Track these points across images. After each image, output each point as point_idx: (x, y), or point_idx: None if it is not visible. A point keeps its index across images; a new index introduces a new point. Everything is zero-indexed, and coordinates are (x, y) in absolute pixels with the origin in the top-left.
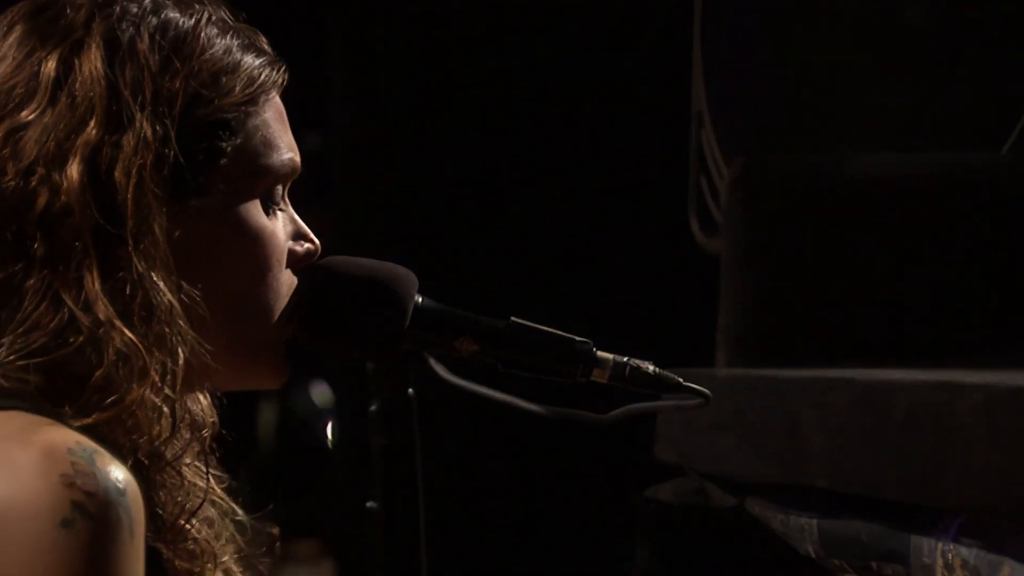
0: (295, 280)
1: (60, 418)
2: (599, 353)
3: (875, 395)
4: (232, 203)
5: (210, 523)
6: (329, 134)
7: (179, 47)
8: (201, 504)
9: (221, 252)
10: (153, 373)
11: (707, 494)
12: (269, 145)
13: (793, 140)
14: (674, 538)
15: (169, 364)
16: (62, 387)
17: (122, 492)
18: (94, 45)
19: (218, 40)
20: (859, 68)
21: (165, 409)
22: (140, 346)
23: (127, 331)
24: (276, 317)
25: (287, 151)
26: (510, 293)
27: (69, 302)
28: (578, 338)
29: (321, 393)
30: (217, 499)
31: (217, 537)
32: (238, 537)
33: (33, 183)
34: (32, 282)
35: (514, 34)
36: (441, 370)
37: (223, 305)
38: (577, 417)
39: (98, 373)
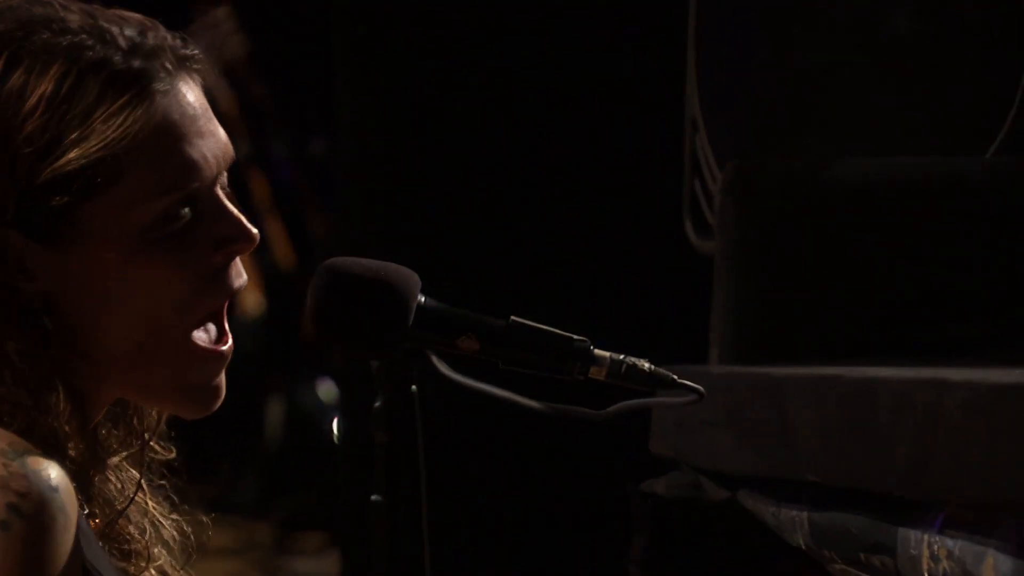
0: (229, 285)
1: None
2: (596, 351)
3: (864, 392)
4: (115, 242)
5: (143, 526)
6: (335, 138)
7: (29, 96)
8: (128, 504)
9: (113, 290)
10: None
11: (701, 488)
12: (145, 181)
13: (785, 145)
14: (669, 530)
15: (26, 416)
16: None
17: (55, 489)
18: None
19: (76, 83)
20: (849, 74)
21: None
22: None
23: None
24: (192, 351)
25: (175, 177)
26: (510, 293)
27: None
28: (576, 337)
29: (327, 390)
30: (151, 503)
31: (151, 539)
32: (174, 538)
33: None
34: None
35: (515, 42)
36: (443, 367)
37: (128, 344)
38: (575, 413)
39: None
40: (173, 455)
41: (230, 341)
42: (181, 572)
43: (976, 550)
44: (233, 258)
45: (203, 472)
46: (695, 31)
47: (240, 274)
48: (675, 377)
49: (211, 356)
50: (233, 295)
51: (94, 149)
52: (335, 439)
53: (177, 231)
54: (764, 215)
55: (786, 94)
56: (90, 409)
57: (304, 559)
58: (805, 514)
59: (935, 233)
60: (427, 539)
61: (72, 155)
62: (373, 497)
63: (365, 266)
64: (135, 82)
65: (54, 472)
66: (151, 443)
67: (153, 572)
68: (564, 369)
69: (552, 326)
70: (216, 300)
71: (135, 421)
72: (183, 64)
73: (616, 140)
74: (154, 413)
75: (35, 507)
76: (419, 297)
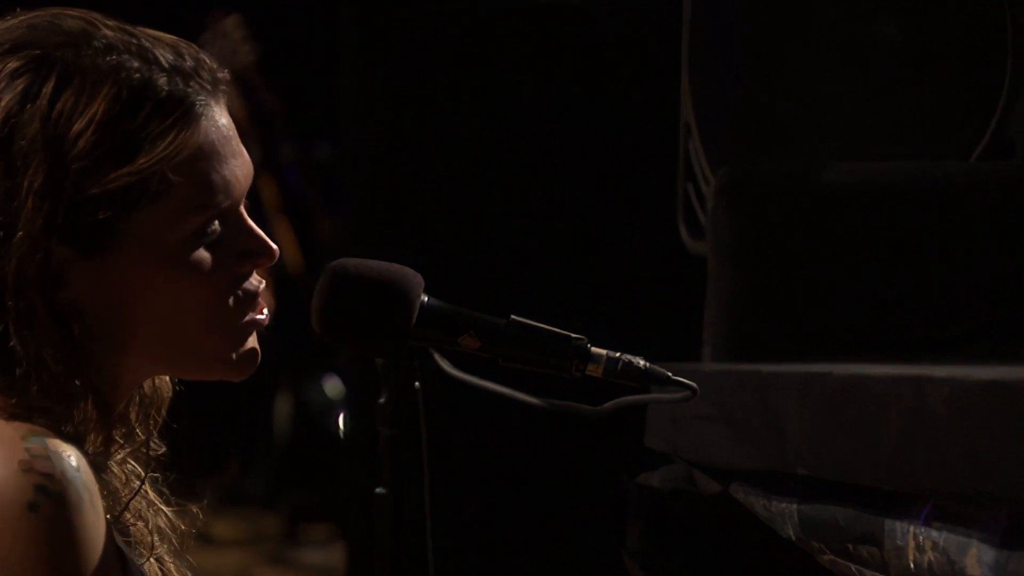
0: (250, 290)
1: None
2: (593, 349)
3: (851, 388)
4: (150, 253)
5: (145, 516)
6: (340, 144)
7: (81, 114)
8: (134, 496)
9: (146, 296)
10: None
11: (694, 481)
12: (184, 200)
13: (775, 150)
14: (663, 522)
15: (59, 415)
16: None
17: (77, 469)
18: (2, 112)
19: (127, 102)
20: (837, 81)
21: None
22: (18, 406)
23: (9, 397)
24: (218, 337)
25: (211, 196)
26: (510, 293)
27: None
28: (574, 335)
29: (333, 386)
30: (151, 495)
31: (151, 529)
32: (170, 531)
33: None
34: None
35: (515, 50)
36: (445, 365)
37: (160, 341)
38: (572, 409)
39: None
40: (164, 451)
41: (265, 312)
42: (179, 561)
43: (960, 541)
44: (253, 270)
45: (214, 466)
46: (689, 39)
47: (261, 281)
48: (669, 374)
49: (240, 330)
50: (256, 303)
51: (142, 167)
52: (341, 434)
53: (206, 245)
54: (755, 217)
55: (777, 100)
56: (115, 397)
57: (311, 550)
58: (795, 506)
59: (921, 236)
60: (430, 530)
61: (120, 172)
62: (378, 490)
63: (370, 267)
64: (179, 103)
65: (74, 453)
66: (151, 440)
67: (154, 561)
68: (562, 366)
69: (551, 325)
70: (239, 308)
71: (136, 419)
72: (216, 86)
73: (612, 145)
74: (158, 412)
75: (61, 487)
76: (422, 297)
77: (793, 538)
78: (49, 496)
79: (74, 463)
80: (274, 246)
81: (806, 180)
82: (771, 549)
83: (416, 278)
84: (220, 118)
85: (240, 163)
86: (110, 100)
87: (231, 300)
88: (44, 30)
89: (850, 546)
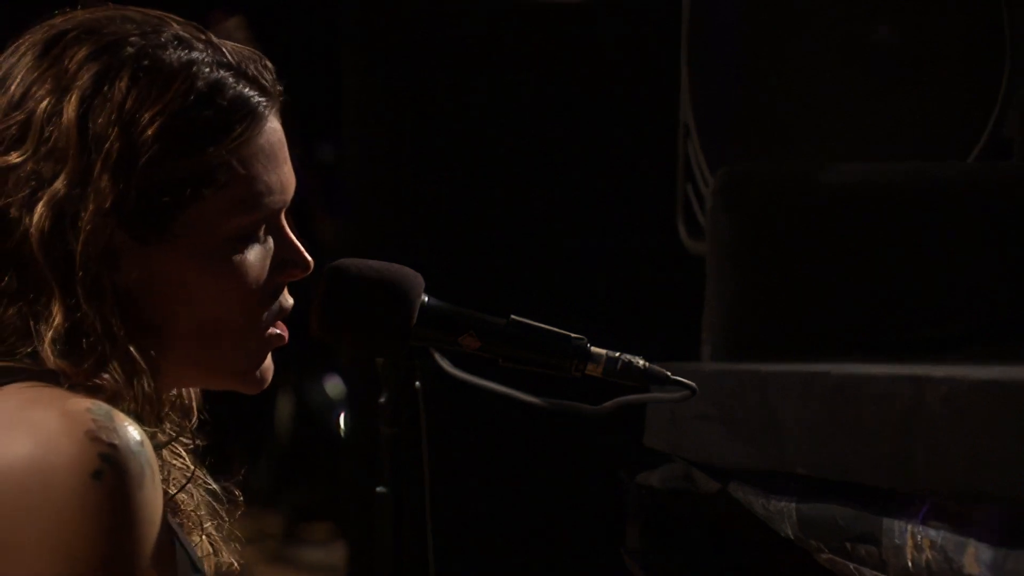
0: (283, 305)
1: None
2: (593, 349)
3: (849, 387)
4: (201, 246)
5: (193, 493)
6: (342, 145)
7: (155, 101)
8: (188, 481)
9: (190, 288)
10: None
11: (693, 480)
12: (241, 196)
13: (774, 151)
14: (662, 521)
15: (121, 388)
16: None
17: (140, 443)
18: (76, 92)
19: (199, 95)
20: (836, 82)
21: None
22: (85, 375)
23: (70, 365)
24: (249, 344)
25: (265, 196)
26: (510, 293)
27: (44, 333)
28: (573, 335)
29: (334, 386)
30: (199, 476)
31: (198, 507)
32: (217, 508)
33: (7, 223)
34: (11, 312)
35: (516, 53)
36: (446, 364)
37: (196, 335)
38: (572, 408)
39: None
40: (199, 443)
41: (286, 335)
42: (226, 535)
43: (958, 540)
44: (290, 280)
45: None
46: (688, 39)
47: (288, 298)
48: (669, 374)
49: (264, 344)
50: (282, 317)
51: (209, 157)
52: (342, 433)
53: (251, 248)
54: (754, 218)
55: (775, 101)
56: (160, 386)
57: (312, 548)
58: (793, 505)
59: (918, 236)
60: (430, 528)
61: (185, 163)
62: (378, 489)
63: (370, 267)
64: (246, 103)
65: (136, 427)
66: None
67: (204, 539)
68: (562, 366)
69: (551, 325)
70: (270, 319)
71: (180, 406)
72: (275, 93)
73: (612, 146)
74: (193, 403)
75: (126, 459)
76: (422, 297)
77: (792, 537)
78: (113, 466)
79: (138, 437)
80: (310, 259)
81: (804, 180)
82: (770, 548)
83: (416, 278)
84: (276, 124)
85: (288, 171)
86: (183, 93)
87: (265, 308)
88: (114, 20)
89: (848, 545)
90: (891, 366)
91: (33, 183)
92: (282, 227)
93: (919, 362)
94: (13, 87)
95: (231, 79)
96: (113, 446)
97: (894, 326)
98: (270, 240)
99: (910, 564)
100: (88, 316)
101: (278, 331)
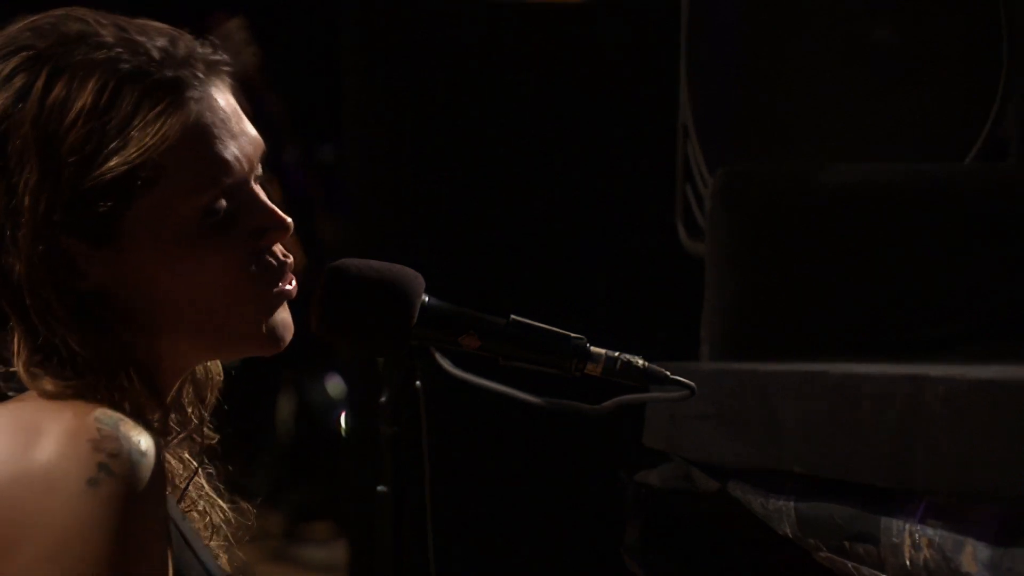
0: (278, 262)
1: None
2: (592, 348)
3: (847, 387)
4: (161, 235)
5: (200, 505)
6: (342, 145)
7: (69, 108)
8: (191, 479)
9: (162, 277)
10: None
11: (692, 479)
12: (189, 178)
13: (773, 151)
14: (661, 520)
15: (107, 394)
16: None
17: (144, 454)
18: (2, 110)
19: (113, 92)
20: (835, 82)
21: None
22: (73, 390)
23: (52, 381)
24: (246, 311)
25: (217, 173)
26: (510, 293)
27: (19, 358)
28: (573, 334)
29: (335, 385)
30: (206, 489)
31: (206, 524)
32: (224, 521)
33: None
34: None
35: (516, 54)
36: (446, 364)
37: (186, 318)
38: (572, 407)
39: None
40: (216, 439)
41: (293, 283)
42: (229, 553)
43: (956, 539)
44: (271, 244)
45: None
46: (687, 42)
47: (287, 255)
48: (668, 373)
49: (267, 304)
50: (284, 275)
51: (133, 156)
52: (343, 432)
53: (217, 224)
54: (752, 219)
55: (775, 101)
56: (163, 382)
57: (313, 547)
58: (791, 504)
59: (916, 236)
60: (431, 527)
61: (113, 162)
62: (379, 488)
63: (371, 267)
64: (169, 91)
65: (145, 439)
66: (204, 426)
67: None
68: (562, 365)
69: (550, 324)
70: (262, 281)
71: (189, 403)
72: (212, 69)
73: (612, 147)
74: (211, 394)
75: (125, 468)
76: (423, 297)
77: (790, 536)
78: (111, 475)
79: (143, 447)
80: (287, 218)
81: (803, 181)
82: (768, 547)
83: (417, 278)
84: (217, 99)
85: (244, 141)
86: (96, 92)
87: (251, 274)
88: (43, 32)
89: (847, 544)
90: (889, 365)
91: None
92: (252, 193)
93: (917, 361)
94: None
95: (150, 69)
96: (114, 456)
97: (893, 326)
98: (239, 211)
99: (908, 563)
100: (49, 336)
101: (281, 287)
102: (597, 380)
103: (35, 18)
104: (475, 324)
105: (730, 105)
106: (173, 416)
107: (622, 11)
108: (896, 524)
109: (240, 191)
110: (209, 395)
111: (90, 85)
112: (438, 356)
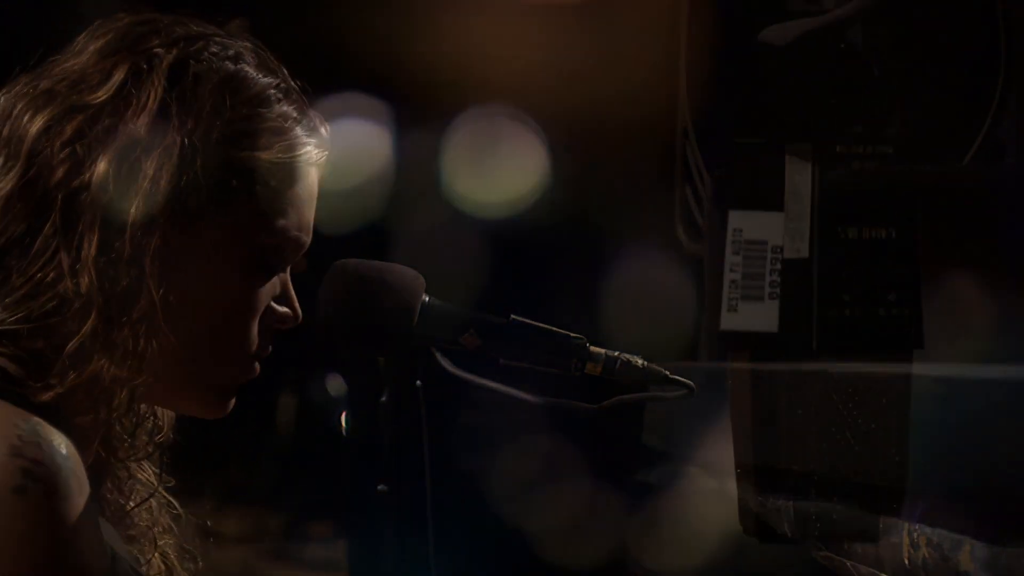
0: (265, 346)
1: (17, 397)
2: (592, 348)
3: (846, 386)
4: (229, 243)
5: (151, 513)
6: None
7: (236, 94)
8: (147, 499)
9: (203, 282)
10: (117, 352)
11: (691, 478)
12: (281, 211)
13: (772, 152)
14: (661, 520)
15: (133, 347)
16: (38, 354)
17: (66, 457)
18: (165, 65)
19: (276, 105)
20: (834, 84)
21: (123, 391)
22: (102, 329)
23: (97, 312)
24: (232, 366)
25: (295, 227)
26: (510, 293)
27: (64, 265)
28: (573, 334)
29: (336, 385)
30: (160, 495)
31: (155, 525)
32: (174, 527)
33: (69, 157)
34: (39, 244)
35: (515, 55)
36: (446, 364)
37: (187, 336)
38: (571, 406)
39: (70, 345)
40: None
41: (257, 372)
42: (184, 561)
43: (954, 538)
44: (280, 328)
45: (218, 463)
46: (687, 45)
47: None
48: (667, 372)
49: (243, 368)
50: (261, 356)
51: (272, 156)
52: (343, 432)
53: (264, 276)
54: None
55: (774, 103)
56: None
57: (313, 546)
58: (790, 503)
59: (915, 236)
60: (431, 527)
61: (259, 153)
62: (379, 487)
63: (371, 267)
64: (310, 138)
65: (64, 441)
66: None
67: (159, 557)
68: (562, 365)
69: (550, 324)
70: (257, 346)
71: (150, 427)
72: (323, 151)
73: (612, 148)
74: (166, 421)
75: (49, 472)
76: (423, 297)
77: (789, 534)
78: (35, 481)
79: (64, 451)
80: (301, 315)
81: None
82: (768, 546)
83: (417, 278)
84: (316, 175)
85: (311, 223)
86: (266, 87)
87: (254, 338)
88: (191, 27)
89: (845, 543)
90: (890, 365)
91: (104, 125)
92: (287, 279)
93: (917, 361)
94: (90, 53)
95: (299, 101)
96: (36, 462)
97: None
98: (277, 282)
99: (907, 562)
100: (125, 255)
101: (257, 367)
102: (596, 379)
103: (180, 18)
104: (475, 324)
105: (728, 107)
106: (128, 440)
107: (622, 11)
108: (895, 523)
109: (287, 263)
110: (166, 421)
111: (265, 81)
112: (438, 356)
